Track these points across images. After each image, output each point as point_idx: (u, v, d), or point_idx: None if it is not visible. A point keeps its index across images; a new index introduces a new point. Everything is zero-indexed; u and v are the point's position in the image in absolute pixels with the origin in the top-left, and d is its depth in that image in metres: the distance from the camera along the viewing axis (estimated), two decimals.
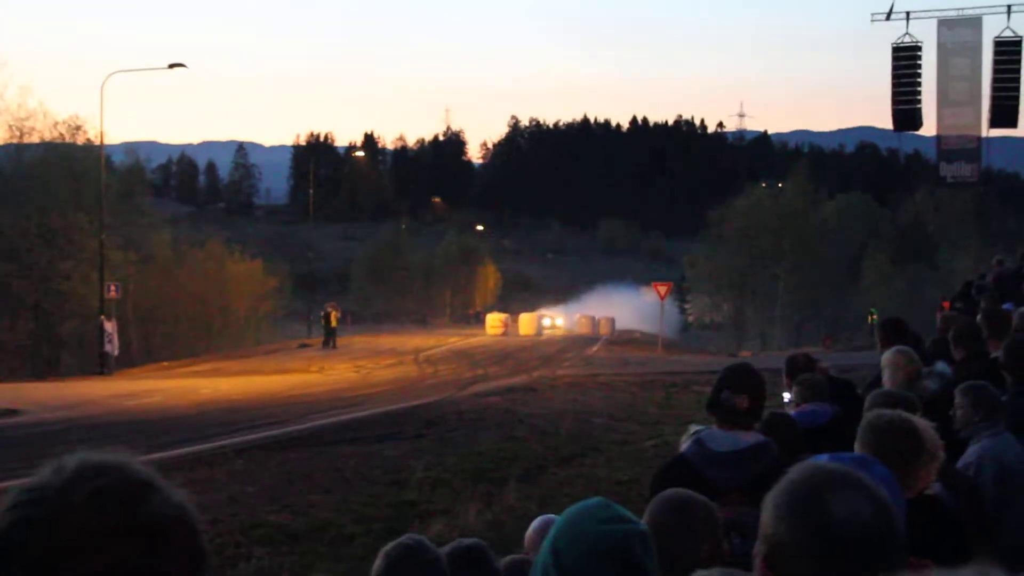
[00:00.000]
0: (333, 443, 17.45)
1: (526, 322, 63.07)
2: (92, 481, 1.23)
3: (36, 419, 20.99)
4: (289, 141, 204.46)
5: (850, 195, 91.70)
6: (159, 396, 25.90)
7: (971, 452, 5.30)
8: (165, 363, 41.40)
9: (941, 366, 7.03)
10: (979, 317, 8.63)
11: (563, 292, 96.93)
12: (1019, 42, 22.98)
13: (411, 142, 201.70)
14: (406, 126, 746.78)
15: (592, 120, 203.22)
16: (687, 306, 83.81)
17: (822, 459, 2.77)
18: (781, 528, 1.82)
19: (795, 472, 1.89)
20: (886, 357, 6.30)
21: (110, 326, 36.06)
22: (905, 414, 3.69)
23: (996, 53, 23.25)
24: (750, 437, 4.33)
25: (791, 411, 6.52)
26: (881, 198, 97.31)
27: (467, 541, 3.51)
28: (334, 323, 46.77)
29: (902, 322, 8.10)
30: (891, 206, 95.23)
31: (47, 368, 42.79)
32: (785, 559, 1.83)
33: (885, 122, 25.24)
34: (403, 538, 3.52)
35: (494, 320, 63.56)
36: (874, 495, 1.83)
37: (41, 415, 21.65)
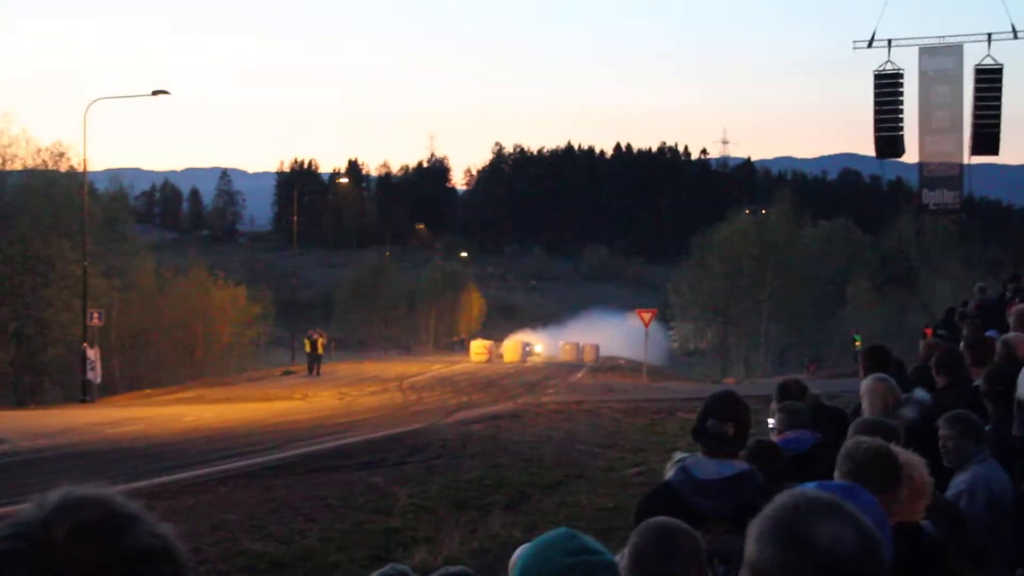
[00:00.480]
0: (317, 471, 17.38)
1: (510, 349, 63.08)
2: (74, 515, 1.22)
3: (16, 447, 20.82)
4: (273, 168, 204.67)
5: (833, 222, 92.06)
6: (142, 424, 25.74)
7: (962, 480, 5.33)
8: (148, 390, 41.20)
9: (920, 393, 7.06)
10: (961, 344, 8.68)
11: (547, 318, 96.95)
12: (999, 70, 23.20)
13: (395, 168, 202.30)
14: (390, 152, 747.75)
15: (576, 146, 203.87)
16: (671, 332, 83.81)
17: (809, 487, 2.79)
18: (765, 556, 1.81)
19: (779, 500, 1.89)
20: (865, 384, 6.34)
21: (92, 353, 35.89)
22: (883, 442, 3.71)
23: (977, 81, 23.47)
24: (735, 465, 4.34)
25: (774, 438, 6.55)
26: (864, 225, 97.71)
27: (453, 569, 3.50)
28: (320, 350, 46.68)
29: (885, 349, 8.15)
30: (874, 233, 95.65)
31: (29, 396, 42.53)
32: None
33: (868, 149, 25.42)
34: (386, 568, 3.50)
35: (478, 347, 63.51)
36: (858, 523, 1.83)
37: (22, 443, 21.47)
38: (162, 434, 23.48)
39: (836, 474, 3.56)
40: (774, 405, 7.26)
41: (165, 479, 16.19)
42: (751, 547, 1.85)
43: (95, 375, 36.08)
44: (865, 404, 6.24)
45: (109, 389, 40.20)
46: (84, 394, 35.51)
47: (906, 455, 3.88)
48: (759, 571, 1.83)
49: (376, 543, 12.22)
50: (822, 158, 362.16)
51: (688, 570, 3.06)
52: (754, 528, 1.87)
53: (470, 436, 21.90)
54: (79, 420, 27.08)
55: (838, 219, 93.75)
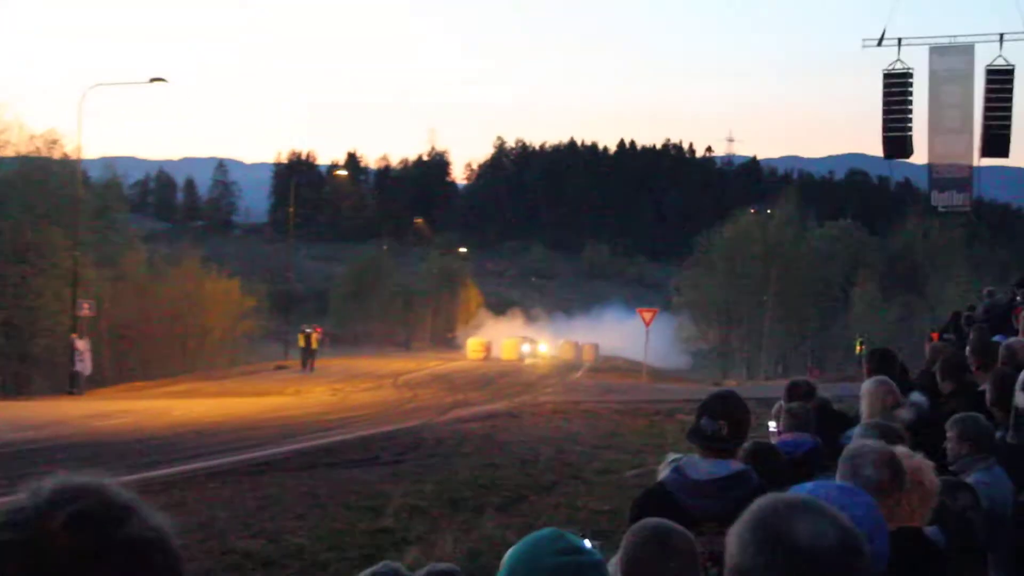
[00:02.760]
0: (308, 468, 17.38)
1: (508, 347, 63.10)
2: (69, 504, 1.23)
3: (3, 439, 20.82)
4: (270, 159, 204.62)
5: (839, 222, 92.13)
6: (131, 417, 25.75)
7: None
8: (138, 383, 41.22)
9: (916, 396, 7.07)
10: (968, 349, 8.67)
11: (548, 316, 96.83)
12: (1011, 71, 23.14)
13: (394, 161, 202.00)
14: (389, 145, 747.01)
15: (579, 142, 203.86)
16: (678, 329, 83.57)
17: (806, 487, 2.78)
18: (745, 556, 1.83)
19: (758, 502, 1.91)
20: (865, 387, 6.37)
21: (82, 345, 35.88)
22: (886, 445, 3.70)
23: (988, 81, 23.39)
24: (731, 465, 4.33)
25: (774, 441, 6.56)
26: (871, 226, 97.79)
27: (441, 566, 3.50)
28: (315, 345, 46.71)
29: (890, 352, 8.15)
30: (881, 234, 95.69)
31: (16, 387, 42.51)
32: None
33: (876, 149, 25.36)
34: (378, 566, 3.50)
35: (475, 344, 63.55)
36: (837, 520, 1.85)
37: (8, 435, 21.46)
38: (151, 428, 23.50)
39: (838, 475, 3.55)
40: (780, 405, 7.26)
41: (153, 474, 16.20)
42: (732, 549, 1.88)
43: (84, 367, 36.08)
44: (864, 406, 6.26)
45: (98, 381, 40.17)
46: (72, 386, 35.51)
47: (915, 459, 3.86)
48: (741, 571, 1.84)
49: (368, 543, 12.23)
50: (829, 158, 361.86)
51: (681, 572, 3.05)
52: (734, 530, 1.89)
53: (465, 435, 21.92)
54: (67, 412, 27.09)
55: (844, 220, 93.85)
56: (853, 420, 7.11)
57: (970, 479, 5.30)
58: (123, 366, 51.80)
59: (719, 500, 4.13)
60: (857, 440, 4.11)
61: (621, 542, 3.21)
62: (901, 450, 3.82)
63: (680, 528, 3.20)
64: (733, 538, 1.88)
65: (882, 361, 7.67)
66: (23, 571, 1.18)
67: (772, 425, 8.02)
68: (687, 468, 4.36)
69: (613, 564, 3.12)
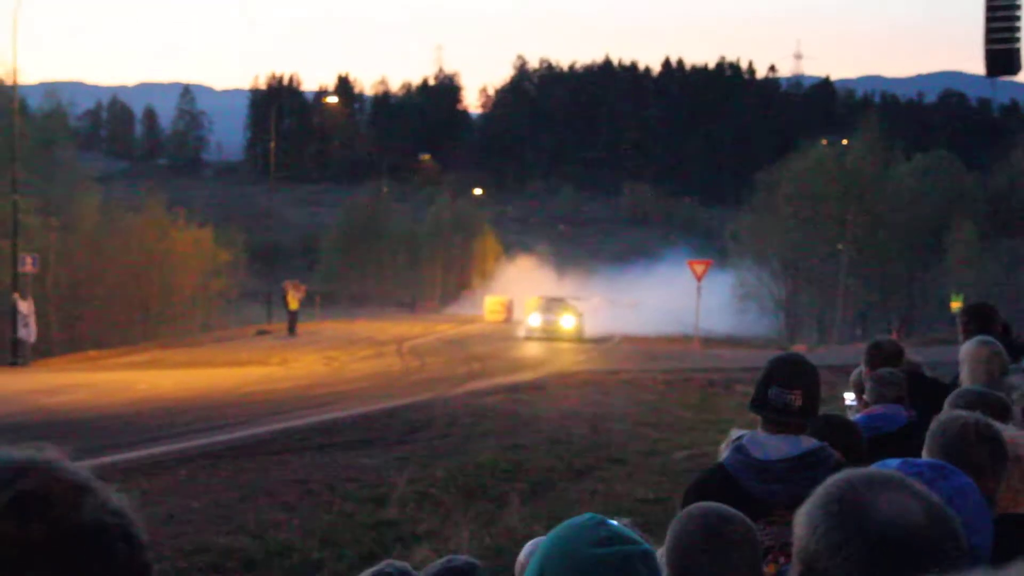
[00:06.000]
0: (298, 451, 17.50)
1: (532, 306, 63.15)
2: (14, 484, 1.23)
3: None
4: (246, 84, 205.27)
5: (931, 155, 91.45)
6: (85, 392, 25.91)
7: None
8: (93, 352, 41.42)
9: None
10: None
11: (579, 270, 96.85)
12: None
13: (395, 87, 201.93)
14: (389, 67, 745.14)
15: (616, 62, 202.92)
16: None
17: (891, 463, 2.78)
18: (817, 536, 1.84)
19: (832, 478, 1.92)
20: (965, 349, 6.32)
21: (25, 307, 36.06)
22: (984, 416, 3.69)
23: None
24: (803, 442, 4.33)
25: (856, 415, 6.54)
26: (970, 159, 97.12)
27: (458, 559, 3.52)
28: (293, 305, 46.88)
29: (990, 308, 8.10)
30: (981, 168, 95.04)
31: None
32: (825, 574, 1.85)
33: (975, 66, 25.20)
34: (383, 564, 3.52)
35: (494, 304, 63.68)
36: (923, 496, 1.85)
37: None
38: (110, 405, 23.64)
39: (924, 452, 3.54)
40: (860, 372, 7.22)
41: (112, 458, 16.28)
42: (800, 530, 1.88)
43: (28, 333, 36.25)
44: (964, 372, 6.21)
45: (45, 350, 40.41)
46: (15, 356, 35.71)
47: (1016, 433, 3.86)
48: (811, 556, 1.85)
49: (368, 538, 12.32)
50: (918, 77, 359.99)
51: (737, 565, 3.06)
52: (803, 509, 1.90)
53: (483, 411, 22.04)
54: (8, 386, 27.26)
55: (937, 151, 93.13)
56: (950, 389, 7.09)
57: None
58: (75, 332, 52.02)
59: (790, 483, 4.11)
60: (948, 410, 4.10)
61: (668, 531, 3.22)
62: (998, 424, 3.82)
63: (737, 513, 3.20)
64: (802, 518, 1.88)
65: (980, 318, 7.63)
66: None
67: (849, 397, 8.01)
68: (751, 447, 4.35)
69: (659, 556, 3.14)
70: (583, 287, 78.90)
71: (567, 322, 49.60)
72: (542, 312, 50.38)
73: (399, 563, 3.56)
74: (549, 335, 47.69)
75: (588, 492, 14.93)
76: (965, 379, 6.14)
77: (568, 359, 36.27)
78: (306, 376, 30.51)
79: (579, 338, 48.02)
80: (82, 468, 1.29)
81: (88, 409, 22.91)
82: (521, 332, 49.67)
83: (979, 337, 6.45)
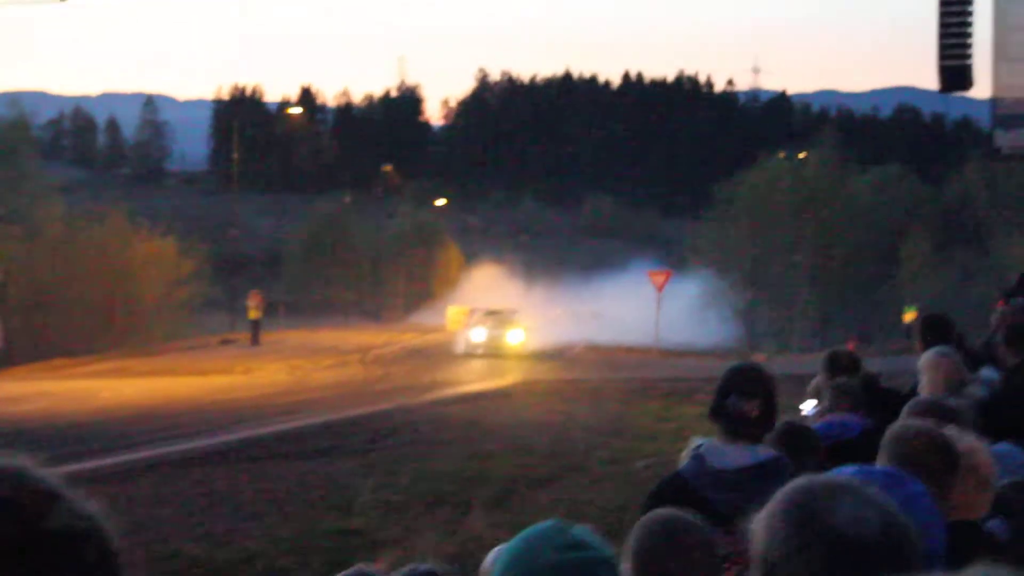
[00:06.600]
0: (262, 459, 17.48)
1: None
2: None
3: None
4: (209, 95, 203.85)
5: (886, 168, 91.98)
6: (48, 401, 25.80)
7: None
8: (57, 361, 41.16)
9: (987, 372, 7.11)
10: None
11: (544, 280, 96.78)
12: None
13: (357, 98, 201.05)
14: (352, 79, 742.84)
15: (576, 75, 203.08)
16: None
17: (846, 471, 2.85)
18: (775, 542, 1.87)
19: (791, 484, 1.96)
20: (925, 359, 6.38)
21: None
22: (936, 426, 3.77)
23: None
24: (760, 452, 4.38)
25: (814, 423, 6.61)
26: (924, 172, 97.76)
27: (422, 567, 3.56)
28: (253, 314, 46.75)
29: (945, 319, 8.18)
30: (935, 182, 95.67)
31: None
32: None
33: (929, 82, 25.43)
34: (352, 570, 3.55)
35: (457, 314, 63.58)
36: (882, 505, 1.89)
37: None
38: (74, 413, 23.55)
39: (879, 460, 3.61)
40: (818, 381, 7.30)
41: (77, 467, 16.20)
42: (760, 536, 1.91)
43: None
44: (923, 382, 6.27)
45: (7, 359, 40.14)
46: None
47: (967, 441, 3.93)
48: (768, 562, 1.88)
49: (333, 546, 12.33)
50: (873, 92, 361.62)
51: (694, 569, 3.11)
52: (762, 515, 1.93)
53: (447, 419, 22.06)
54: None
55: (892, 165, 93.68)
56: (906, 399, 7.16)
57: None
58: (39, 341, 51.60)
59: (746, 492, 4.11)
60: (903, 419, 4.17)
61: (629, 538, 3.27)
62: (951, 431, 3.89)
63: (694, 520, 3.24)
64: (761, 524, 1.91)
65: (936, 329, 7.68)
66: None
67: (808, 406, 8.08)
68: (709, 455, 4.39)
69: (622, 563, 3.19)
70: (547, 297, 78.91)
71: (514, 337, 44.32)
72: (488, 327, 44.76)
73: (367, 567, 3.59)
74: (493, 352, 42.28)
75: (551, 500, 14.97)
76: (924, 388, 6.20)
77: (530, 368, 36.25)
78: (270, 385, 30.44)
79: (527, 354, 42.54)
80: (53, 475, 1.29)
81: (53, 418, 22.81)
82: (460, 348, 44.17)
83: (938, 347, 6.52)
